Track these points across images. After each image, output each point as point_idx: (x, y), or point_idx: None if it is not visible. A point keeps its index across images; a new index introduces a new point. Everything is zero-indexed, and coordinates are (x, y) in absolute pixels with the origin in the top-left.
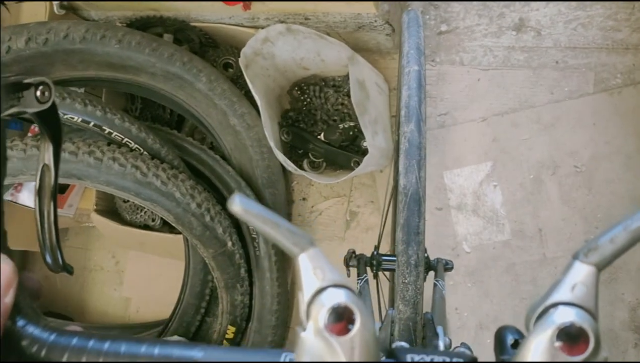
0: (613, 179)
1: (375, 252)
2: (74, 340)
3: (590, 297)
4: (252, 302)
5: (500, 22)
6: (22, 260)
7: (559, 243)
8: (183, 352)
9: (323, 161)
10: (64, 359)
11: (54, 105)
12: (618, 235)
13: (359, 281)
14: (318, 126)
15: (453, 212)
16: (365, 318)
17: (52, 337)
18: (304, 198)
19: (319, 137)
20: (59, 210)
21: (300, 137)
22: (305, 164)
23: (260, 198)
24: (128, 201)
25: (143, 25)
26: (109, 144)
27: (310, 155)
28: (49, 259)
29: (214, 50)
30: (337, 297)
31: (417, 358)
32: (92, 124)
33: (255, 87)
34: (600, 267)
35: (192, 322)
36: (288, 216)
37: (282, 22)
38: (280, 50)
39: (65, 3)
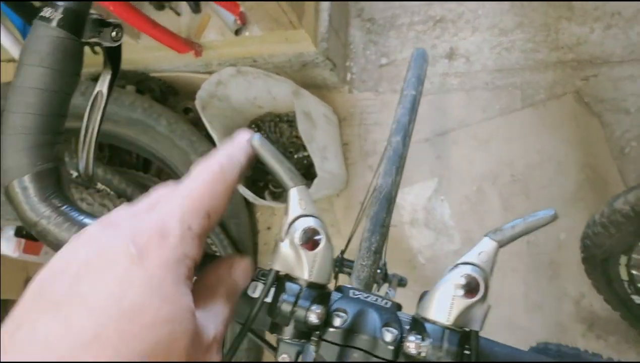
0: (547, 184)
1: (340, 255)
2: None
3: (488, 262)
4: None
5: (434, 52)
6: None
7: (504, 247)
8: None
9: (282, 191)
10: None
11: (120, 45)
12: (518, 224)
13: None
14: None
15: (407, 228)
16: (327, 244)
17: None
18: (268, 228)
19: None
20: (35, 257)
21: (259, 170)
22: (266, 195)
23: (225, 228)
24: None
25: None
26: (77, 187)
27: (270, 186)
28: (81, 167)
29: (174, 97)
30: (311, 222)
31: (357, 293)
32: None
33: (213, 127)
34: (502, 244)
35: None
36: (254, 245)
37: (232, 65)
38: (233, 91)
39: None
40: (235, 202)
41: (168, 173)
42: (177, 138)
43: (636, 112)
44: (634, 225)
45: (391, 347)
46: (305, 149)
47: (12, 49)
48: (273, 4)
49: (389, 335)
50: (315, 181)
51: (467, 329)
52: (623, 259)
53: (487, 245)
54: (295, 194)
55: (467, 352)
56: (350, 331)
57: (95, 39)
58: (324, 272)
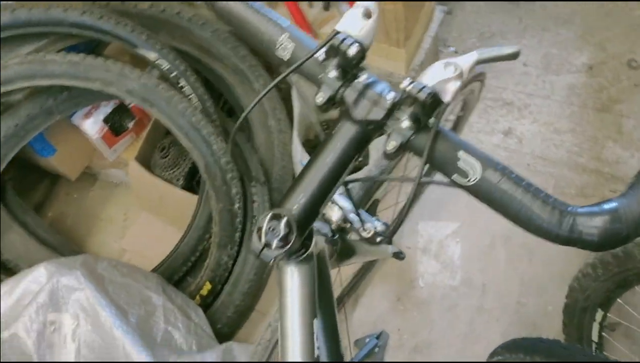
0: (550, 261)
1: None
2: None
3: (467, 64)
4: (233, 268)
5: (494, 125)
6: (49, 188)
7: (497, 298)
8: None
9: None
10: None
11: None
12: (494, 50)
13: None
14: None
15: (418, 252)
16: (375, 20)
17: None
18: None
19: None
20: (106, 148)
21: None
22: None
23: (269, 188)
24: (165, 158)
25: None
26: (180, 91)
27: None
28: None
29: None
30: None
31: None
32: (174, 74)
33: (297, 102)
34: (478, 61)
35: (177, 270)
36: None
37: None
38: None
39: None
40: (285, 172)
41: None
42: (265, 99)
43: None
44: (619, 267)
45: (389, 102)
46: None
47: None
48: (391, 18)
49: (390, 95)
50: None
51: (439, 96)
52: (599, 314)
53: (471, 56)
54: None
55: (432, 119)
56: (368, 86)
57: None
58: (368, 38)
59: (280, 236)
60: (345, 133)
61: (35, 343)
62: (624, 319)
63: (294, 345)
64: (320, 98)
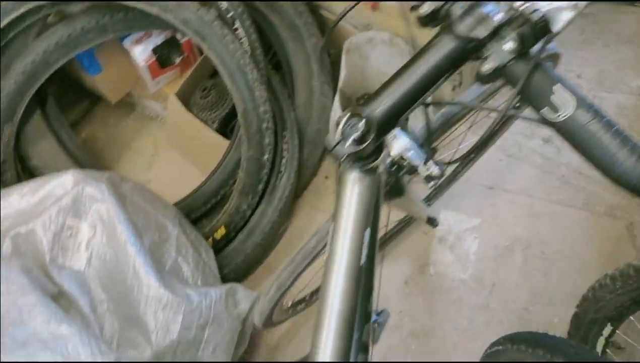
0: (566, 275)
1: None
2: None
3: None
4: (250, 219)
5: (535, 129)
6: (88, 109)
7: (504, 301)
8: None
9: None
10: None
11: None
12: None
13: None
14: None
15: (435, 240)
16: None
17: None
18: (326, 177)
19: None
20: (149, 78)
21: None
22: None
23: (300, 147)
24: (205, 98)
25: None
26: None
27: None
28: None
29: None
30: None
31: None
32: (230, 14)
33: (345, 69)
34: None
35: (196, 209)
36: (307, 184)
37: None
38: (374, 56)
39: None
40: (319, 135)
41: (284, 80)
42: (313, 59)
43: None
44: (638, 282)
45: (495, 23)
46: None
47: None
48: None
49: (498, 16)
50: None
51: (549, 23)
52: (607, 329)
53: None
54: None
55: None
56: (476, 5)
57: None
58: None
59: (357, 134)
60: (443, 47)
61: (50, 243)
62: (632, 339)
63: (343, 249)
64: (426, 8)
